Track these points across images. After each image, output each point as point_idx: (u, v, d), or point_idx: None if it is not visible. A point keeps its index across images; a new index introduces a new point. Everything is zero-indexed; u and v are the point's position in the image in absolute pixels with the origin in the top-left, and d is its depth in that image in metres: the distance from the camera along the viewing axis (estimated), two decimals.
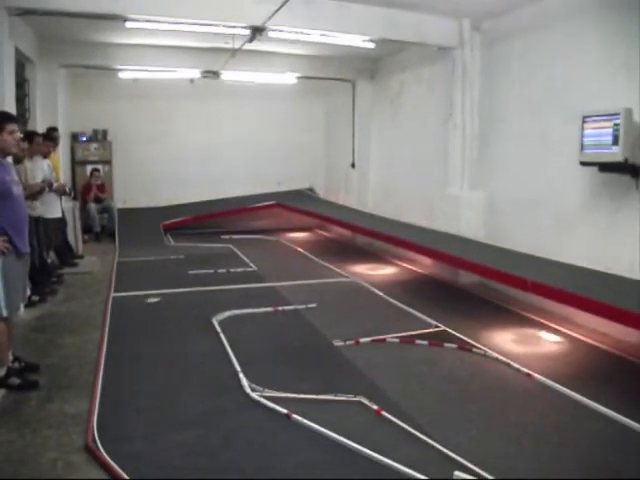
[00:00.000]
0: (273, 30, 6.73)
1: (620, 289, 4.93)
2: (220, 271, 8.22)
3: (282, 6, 5.76)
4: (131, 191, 12.27)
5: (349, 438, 3.39)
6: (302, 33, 6.93)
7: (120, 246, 9.99)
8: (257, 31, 6.65)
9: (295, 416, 3.68)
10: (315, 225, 12.83)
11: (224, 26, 6.52)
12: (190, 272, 8.11)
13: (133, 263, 8.72)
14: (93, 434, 3.45)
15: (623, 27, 5.55)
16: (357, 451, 3.28)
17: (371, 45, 7.65)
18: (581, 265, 5.66)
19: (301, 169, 13.73)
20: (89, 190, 11.16)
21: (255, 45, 7.74)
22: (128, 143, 12.17)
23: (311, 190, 13.87)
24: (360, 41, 7.50)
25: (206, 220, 11.88)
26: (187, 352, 5.01)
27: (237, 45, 8.22)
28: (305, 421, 3.62)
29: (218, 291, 7.11)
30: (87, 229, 10.66)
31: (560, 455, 3.40)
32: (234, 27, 6.62)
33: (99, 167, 11.56)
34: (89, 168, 11.50)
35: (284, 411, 3.75)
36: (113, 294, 6.82)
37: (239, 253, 9.66)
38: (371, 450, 3.26)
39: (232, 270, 8.30)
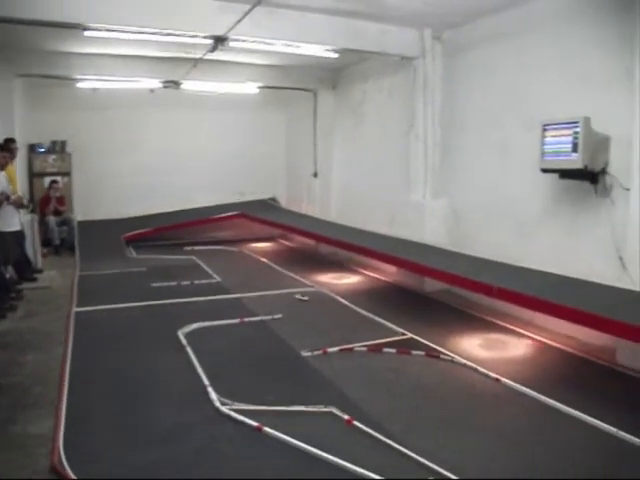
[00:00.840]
0: (235, 40, 6.69)
1: (582, 293, 5.02)
2: (184, 283, 8.10)
3: (245, 16, 5.74)
4: (91, 203, 12.01)
5: (322, 449, 3.37)
6: (265, 43, 6.91)
7: (81, 259, 9.75)
8: (219, 41, 6.61)
9: (266, 429, 3.64)
10: (278, 235, 12.81)
11: (186, 36, 6.46)
12: (153, 285, 7.97)
13: (95, 277, 8.52)
14: (59, 455, 3.34)
15: (580, 40, 5.73)
16: (331, 462, 3.26)
17: (334, 55, 7.69)
18: (544, 270, 5.75)
19: (263, 179, 13.71)
20: (48, 202, 10.88)
21: (217, 55, 7.70)
22: (88, 154, 11.91)
23: (273, 200, 13.85)
24: (323, 51, 7.53)
25: (168, 232, 11.73)
26: (154, 367, 4.90)
27: (198, 55, 8.16)
28: (277, 433, 3.58)
29: (183, 304, 6.99)
30: (46, 242, 10.38)
31: (532, 458, 3.44)
32: (196, 37, 6.56)
33: (58, 179, 11.29)
34: (47, 180, 11.22)
35: (255, 424, 3.70)
36: (75, 309, 6.64)
37: (202, 265, 9.56)
38: (345, 460, 3.24)
39: (196, 282, 8.20)
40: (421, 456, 3.30)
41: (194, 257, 10.30)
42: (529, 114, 6.33)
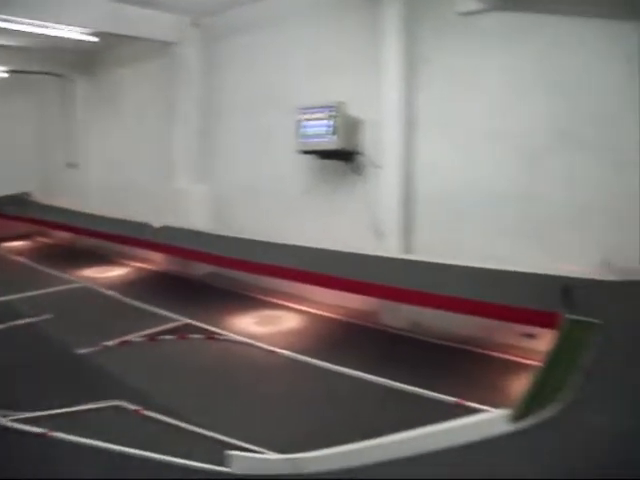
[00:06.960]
0: None
1: (347, 264, 5.47)
2: None
3: None
4: None
5: (115, 443, 3.36)
6: (20, 23, 6.30)
7: None
8: None
9: (52, 433, 3.52)
10: (35, 232, 11.98)
11: None
12: None
13: None
14: None
15: (333, 32, 6.26)
16: (126, 454, 3.29)
17: (94, 39, 7.30)
18: (309, 245, 6.15)
19: (14, 173, 12.30)
20: None
21: None
22: None
23: (27, 194, 12.61)
24: (82, 34, 7.11)
25: None
26: None
27: None
28: (64, 436, 3.49)
29: None
30: None
31: (322, 415, 3.92)
32: None
33: None
34: None
35: (38, 430, 3.56)
36: None
37: None
38: (141, 450, 3.29)
39: None
40: (215, 432, 3.51)
41: None
42: (289, 100, 6.63)
